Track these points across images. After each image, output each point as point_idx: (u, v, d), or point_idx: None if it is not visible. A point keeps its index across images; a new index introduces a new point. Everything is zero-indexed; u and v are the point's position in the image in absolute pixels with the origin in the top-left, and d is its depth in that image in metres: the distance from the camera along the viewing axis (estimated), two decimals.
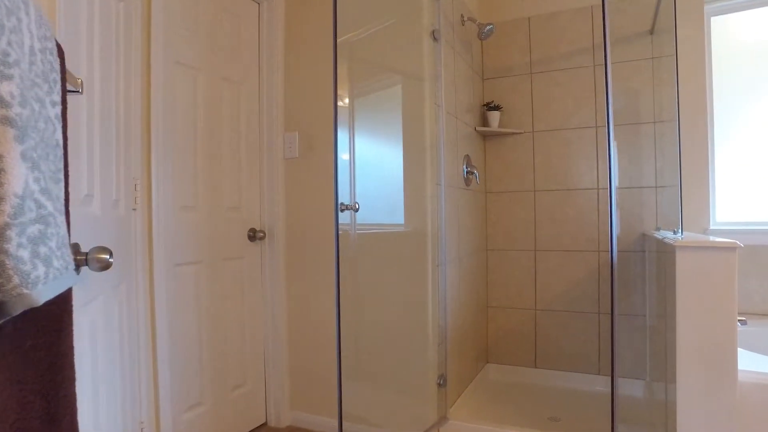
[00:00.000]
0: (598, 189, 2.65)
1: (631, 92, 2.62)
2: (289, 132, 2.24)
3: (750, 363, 1.50)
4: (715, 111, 2.62)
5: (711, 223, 2.52)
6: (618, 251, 2.62)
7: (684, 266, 1.43)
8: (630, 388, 2.60)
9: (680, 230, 1.71)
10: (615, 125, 2.64)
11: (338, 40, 2.03)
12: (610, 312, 2.64)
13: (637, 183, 2.59)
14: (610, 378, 2.65)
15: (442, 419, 2.06)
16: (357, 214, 1.95)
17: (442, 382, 2.05)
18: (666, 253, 1.69)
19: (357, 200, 1.94)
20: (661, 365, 1.97)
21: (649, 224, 2.55)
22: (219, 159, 2.00)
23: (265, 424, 2.25)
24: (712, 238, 1.45)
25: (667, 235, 1.91)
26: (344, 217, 2.07)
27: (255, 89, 2.21)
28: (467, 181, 2.48)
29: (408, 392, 2.08)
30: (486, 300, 2.90)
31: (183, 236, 1.82)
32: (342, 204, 1.60)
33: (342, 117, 2.00)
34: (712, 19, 2.63)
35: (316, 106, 2.18)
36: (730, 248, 1.39)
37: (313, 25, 2.20)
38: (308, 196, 2.20)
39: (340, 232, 2.15)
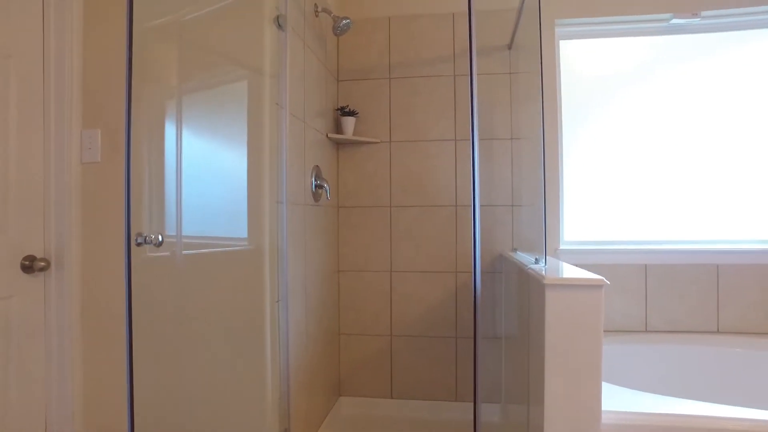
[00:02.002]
0: (456, 206, 2.51)
1: (488, 106, 2.53)
2: (90, 128, 1.71)
3: (611, 398, 1.39)
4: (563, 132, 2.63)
5: (560, 242, 2.51)
6: None
7: (553, 304, 1.26)
8: (486, 413, 2.50)
9: (544, 259, 1.57)
10: (468, 139, 2.52)
11: (162, 20, 1.59)
12: (469, 335, 2.50)
13: (493, 200, 2.49)
14: (470, 404, 2.52)
15: None
16: (186, 226, 1.52)
17: None
18: (531, 284, 1.54)
19: (184, 210, 1.51)
20: (521, 388, 1.84)
21: (505, 244, 2.47)
22: None
23: None
24: (577, 273, 1.31)
25: (527, 260, 1.78)
26: (170, 228, 1.62)
27: (37, 67, 1.65)
28: (316, 196, 2.16)
29: None
30: (338, 327, 2.60)
31: None
32: (139, 235, 1.17)
33: (170, 110, 1.56)
34: (561, 42, 2.64)
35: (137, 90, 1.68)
36: (597, 285, 1.25)
37: None
38: (114, 212, 1.69)
39: (153, 255, 1.68)
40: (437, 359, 2.54)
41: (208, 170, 1.65)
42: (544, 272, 1.37)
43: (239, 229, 1.71)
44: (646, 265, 2.37)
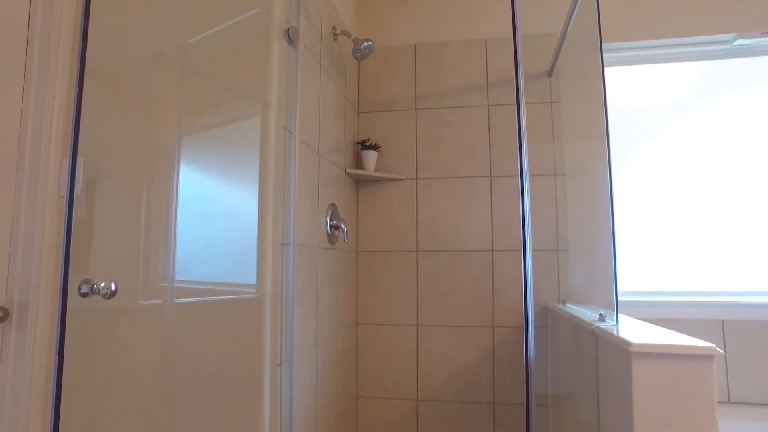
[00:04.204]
0: (492, 251, 2.19)
1: (527, 138, 2.24)
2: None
3: None
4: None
5: (612, 299, 2.15)
6: (514, 327, 2.15)
7: (644, 379, 0.93)
8: None
9: (615, 315, 1.23)
10: (508, 176, 2.24)
11: (161, 45, 1.38)
12: (508, 402, 2.13)
13: (535, 245, 2.17)
14: None
15: None
16: (188, 271, 1.24)
17: None
18: (604, 349, 1.20)
19: (186, 254, 1.24)
20: None
21: (550, 295, 2.12)
22: None
23: None
24: (674, 338, 0.97)
25: (585, 315, 1.45)
26: (156, 275, 1.35)
27: (15, 88, 1.44)
28: (332, 238, 1.87)
29: None
30: (356, 389, 2.26)
31: None
32: (85, 283, 0.89)
33: (166, 143, 1.32)
34: (606, 69, 2.38)
35: (119, 121, 1.46)
36: (707, 356, 0.91)
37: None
38: (96, 255, 1.43)
39: (147, 302, 1.40)
40: (470, 428, 2.16)
41: (213, 209, 1.39)
42: (621, 334, 1.04)
43: (248, 274, 1.43)
44: (723, 320, 1.99)
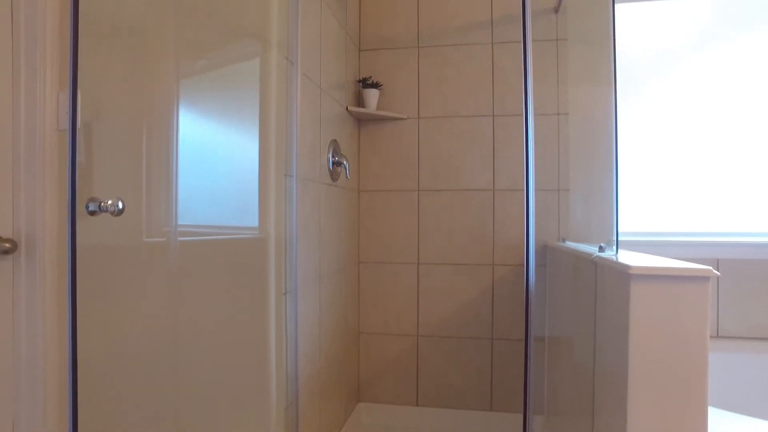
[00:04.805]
0: (493, 190, 2.20)
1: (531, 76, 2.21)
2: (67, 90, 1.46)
3: (715, 427, 1.07)
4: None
5: (612, 233, 2.18)
6: (513, 265, 2.19)
7: (642, 301, 0.96)
8: (520, 425, 2.19)
9: (615, 246, 1.26)
10: (510, 116, 2.22)
11: None
12: (506, 337, 2.20)
13: (537, 184, 2.18)
14: (506, 414, 2.22)
15: None
16: (183, 213, 1.26)
17: None
18: (603, 276, 1.23)
19: (188, 199, 1.24)
20: (577, 401, 1.53)
21: (550, 234, 2.15)
22: None
23: None
24: (671, 263, 1.00)
25: (588, 250, 1.47)
26: (158, 220, 1.37)
27: (3, 15, 1.40)
28: (334, 175, 1.88)
29: None
30: (357, 325, 2.32)
31: None
32: (92, 201, 0.90)
33: (163, 86, 1.30)
34: (617, 5, 2.30)
35: (116, 52, 1.43)
36: (703, 277, 0.93)
37: None
38: (99, 185, 1.44)
39: (151, 240, 1.42)
40: (469, 363, 2.24)
41: (214, 153, 1.38)
42: (621, 260, 1.06)
43: (250, 217, 1.44)
44: (718, 260, 2.02)
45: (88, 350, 1.15)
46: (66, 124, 1.48)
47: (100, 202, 0.86)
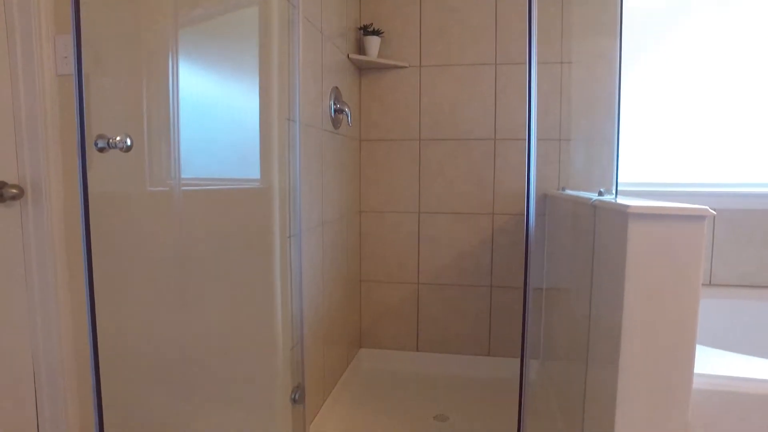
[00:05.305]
0: (495, 139, 2.20)
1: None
2: (66, 34, 1.43)
3: (704, 362, 1.13)
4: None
5: (612, 179, 2.20)
6: (513, 214, 2.22)
7: (639, 240, 0.98)
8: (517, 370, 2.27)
9: (614, 189, 1.28)
10: (513, 64, 2.19)
11: None
12: (505, 285, 2.25)
13: (538, 134, 2.18)
14: (503, 359, 2.30)
15: None
16: (185, 167, 1.27)
17: (297, 396, 1.49)
18: (602, 219, 1.26)
19: (190, 151, 1.25)
20: (570, 345, 1.59)
21: (550, 184, 2.17)
22: None
23: None
24: (671, 204, 1.02)
25: (588, 196, 1.49)
26: (160, 173, 1.38)
27: None
28: (336, 122, 1.87)
29: (249, 415, 1.49)
30: (359, 273, 2.37)
31: None
32: (101, 138, 0.90)
33: (160, 36, 1.28)
34: None
35: (113, 12, 1.40)
36: (699, 216, 0.96)
37: None
38: (101, 130, 1.43)
39: (155, 189, 1.43)
40: (469, 310, 2.30)
41: (214, 105, 1.38)
42: (620, 202, 1.08)
43: (252, 169, 1.45)
44: (715, 210, 2.05)
45: (98, 272, 1.18)
46: (65, 69, 1.47)
47: (109, 139, 0.87)
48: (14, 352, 1.47)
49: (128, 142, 0.89)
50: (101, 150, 0.87)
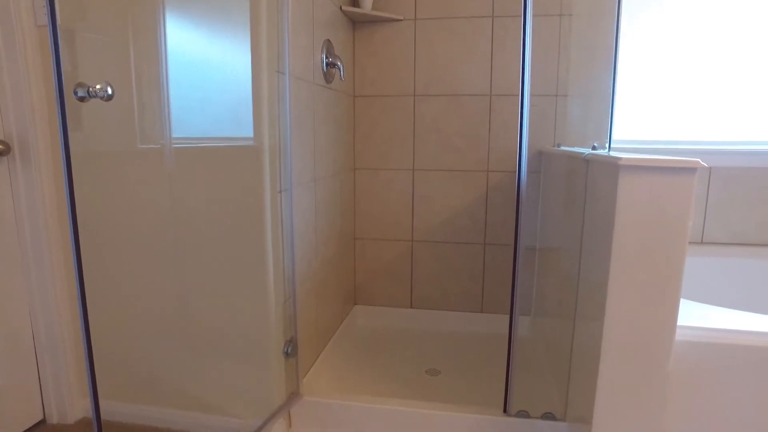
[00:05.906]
0: (490, 95, 2.16)
1: None
2: None
3: (687, 315, 1.14)
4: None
5: (606, 133, 2.17)
6: (508, 171, 2.21)
7: (629, 192, 0.98)
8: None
9: (608, 143, 1.26)
10: (511, 17, 2.13)
11: None
12: (499, 243, 2.26)
13: (534, 89, 2.14)
14: (496, 316, 2.33)
15: (293, 397, 1.54)
16: (176, 125, 1.25)
17: (289, 350, 1.52)
18: (593, 172, 1.25)
19: (180, 110, 1.23)
20: (561, 301, 1.61)
21: (546, 141, 2.15)
22: None
23: (43, 421, 1.58)
24: (663, 157, 1.01)
25: (580, 150, 1.48)
26: (152, 133, 1.37)
27: None
28: (328, 77, 1.83)
29: (242, 367, 1.52)
30: (353, 230, 2.37)
31: None
32: (80, 86, 0.88)
33: None
34: None
35: None
36: (689, 168, 0.95)
37: None
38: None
39: (146, 146, 1.42)
40: (462, 267, 2.32)
41: (204, 62, 1.34)
42: (612, 155, 1.07)
43: (244, 128, 1.42)
44: (710, 168, 2.04)
45: (91, 229, 1.18)
46: (44, 20, 1.43)
47: (89, 87, 0.84)
48: (12, 310, 1.48)
49: (109, 90, 0.87)
50: (81, 99, 0.85)
